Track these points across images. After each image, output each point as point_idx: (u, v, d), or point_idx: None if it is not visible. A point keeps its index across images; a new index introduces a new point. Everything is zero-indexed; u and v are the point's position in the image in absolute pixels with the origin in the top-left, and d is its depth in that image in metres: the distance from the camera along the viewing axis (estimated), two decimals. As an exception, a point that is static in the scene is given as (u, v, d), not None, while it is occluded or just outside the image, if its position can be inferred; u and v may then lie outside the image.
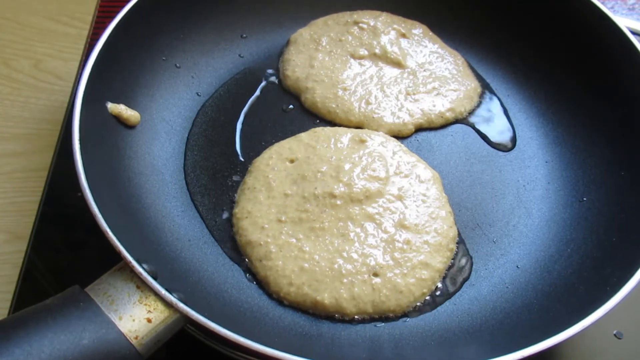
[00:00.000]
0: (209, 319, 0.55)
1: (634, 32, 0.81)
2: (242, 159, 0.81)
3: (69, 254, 0.78)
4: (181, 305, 0.55)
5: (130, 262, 0.57)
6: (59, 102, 0.94)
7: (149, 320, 0.56)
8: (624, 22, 0.81)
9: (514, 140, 0.85)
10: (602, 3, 0.83)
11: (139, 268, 0.57)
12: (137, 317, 0.56)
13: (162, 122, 0.83)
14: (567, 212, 0.77)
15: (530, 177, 0.81)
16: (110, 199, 0.66)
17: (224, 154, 0.82)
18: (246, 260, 0.71)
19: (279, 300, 0.68)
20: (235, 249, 0.73)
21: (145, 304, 0.56)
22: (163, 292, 0.56)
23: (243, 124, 0.86)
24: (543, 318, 0.65)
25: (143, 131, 0.80)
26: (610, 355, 0.70)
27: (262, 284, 0.69)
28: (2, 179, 0.86)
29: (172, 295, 0.56)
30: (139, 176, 0.75)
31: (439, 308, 0.69)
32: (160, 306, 0.56)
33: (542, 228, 0.76)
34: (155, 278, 0.58)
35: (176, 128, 0.84)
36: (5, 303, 0.72)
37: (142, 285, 0.57)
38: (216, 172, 0.80)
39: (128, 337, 0.54)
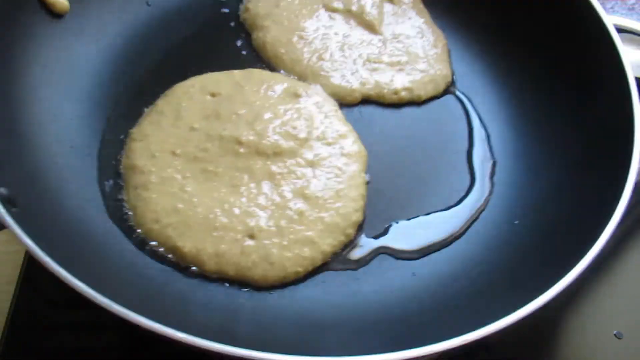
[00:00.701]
0: (27, 233, 0.49)
1: (633, 32, 0.71)
2: (164, 84, 0.74)
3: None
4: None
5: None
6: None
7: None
8: (624, 22, 0.71)
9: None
10: (602, 3, 0.72)
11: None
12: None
13: (95, 20, 0.75)
14: (493, 230, 0.68)
15: (465, 186, 0.72)
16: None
17: (150, 72, 0.75)
18: (121, 186, 0.65)
19: (137, 236, 0.62)
20: (115, 170, 0.66)
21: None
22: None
23: (182, 46, 0.79)
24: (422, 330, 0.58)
25: (68, 24, 0.72)
26: (610, 355, 0.68)
27: (128, 217, 0.63)
28: None
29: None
30: (43, 68, 0.68)
31: (308, 292, 0.61)
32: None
33: (459, 241, 0.67)
34: None
35: (110, 31, 0.76)
36: (5, 303, 0.67)
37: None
38: (135, 88, 0.73)
39: None
